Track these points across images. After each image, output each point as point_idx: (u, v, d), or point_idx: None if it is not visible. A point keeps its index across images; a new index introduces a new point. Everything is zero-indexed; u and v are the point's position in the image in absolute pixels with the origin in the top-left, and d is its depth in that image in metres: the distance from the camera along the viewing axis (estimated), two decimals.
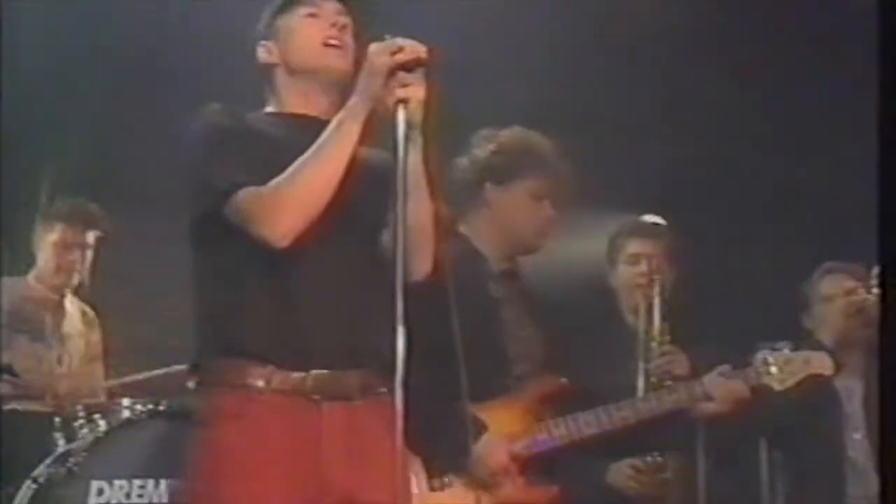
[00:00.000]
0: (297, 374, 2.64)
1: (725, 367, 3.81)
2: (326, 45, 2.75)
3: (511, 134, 3.74)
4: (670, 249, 4.15)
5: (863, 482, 4.26)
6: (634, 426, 3.67)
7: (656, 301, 3.99)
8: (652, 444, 3.85)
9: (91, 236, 4.84)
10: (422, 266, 2.70)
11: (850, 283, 4.39)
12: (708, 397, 3.78)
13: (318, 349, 2.65)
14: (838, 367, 3.97)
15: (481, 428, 3.45)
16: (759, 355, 3.81)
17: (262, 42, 2.83)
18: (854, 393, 4.37)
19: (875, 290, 4.13)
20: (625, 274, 4.19)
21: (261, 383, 2.62)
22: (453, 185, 3.65)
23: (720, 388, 3.78)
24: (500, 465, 3.47)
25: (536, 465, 3.54)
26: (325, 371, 2.65)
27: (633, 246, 4.18)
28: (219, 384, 2.66)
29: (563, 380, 3.60)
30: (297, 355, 2.64)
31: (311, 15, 2.79)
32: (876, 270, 4.06)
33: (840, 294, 4.42)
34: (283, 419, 2.62)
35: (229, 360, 2.65)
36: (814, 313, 4.53)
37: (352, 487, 2.63)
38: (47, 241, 4.81)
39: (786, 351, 3.82)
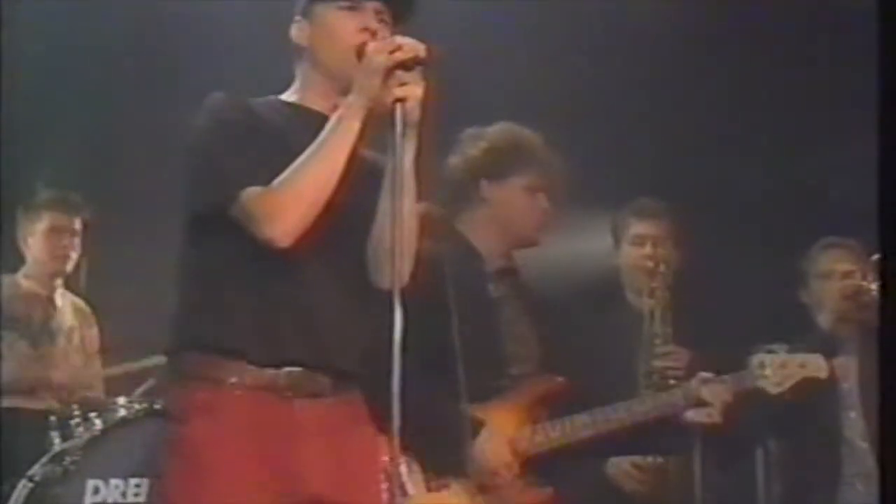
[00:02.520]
0: (270, 371, 2.61)
1: (710, 374, 3.77)
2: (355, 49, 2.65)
3: (499, 130, 3.72)
4: (674, 233, 4.15)
5: (858, 461, 4.27)
6: (631, 427, 3.65)
7: (660, 291, 3.97)
8: (649, 435, 3.84)
9: (77, 222, 4.85)
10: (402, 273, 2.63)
11: (848, 265, 4.39)
12: (701, 401, 3.73)
13: (293, 348, 2.62)
14: (833, 371, 3.98)
15: (479, 426, 3.44)
16: (755, 358, 3.80)
17: (298, 19, 2.77)
18: (850, 371, 4.37)
19: (873, 277, 4.12)
20: (629, 255, 4.20)
21: (233, 379, 2.60)
22: (446, 184, 3.63)
23: (713, 393, 3.74)
24: (502, 462, 3.46)
25: (534, 465, 3.53)
26: (298, 368, 2.62)
27: (638, 227, 4.19)
28: (191, 377, 2.64)
29: (561, 379, 3.58)
30: (271, 353, 2.62)
31: (350, 8, 2.70)
32: (876, 257, 4.06)
33: (837, 273, 4.42)
34: (255, 414, 2.60)
35: (203, 354, 2.63)
36: (811, 289, 4.53)
37: (324, 484, 2.60)
38: (38, 230, 4.82)
39: (781, 354, 3.81)
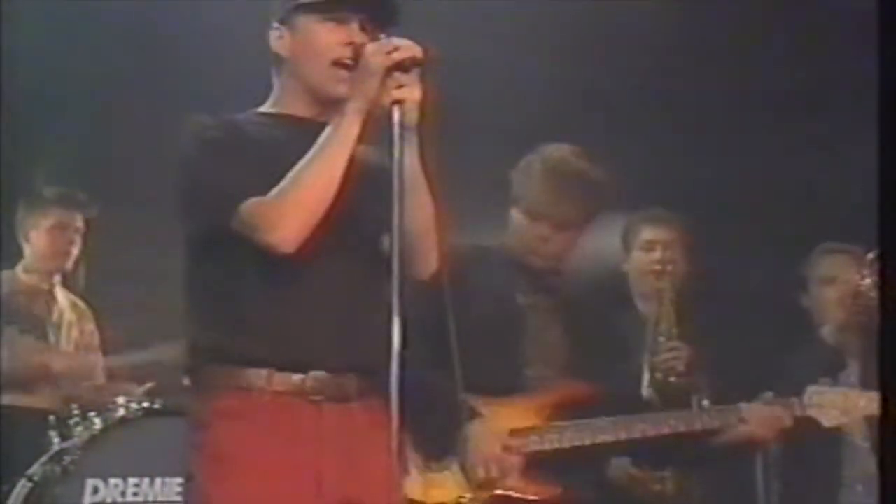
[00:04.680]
0: (297, 376, 2.63)
1: (769, 395, 3.69)
2: (336, 64, 2.66)
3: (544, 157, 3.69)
4: (684, 239, 4.15)
5: (858, 463, 4.27)
6: (653, 439, 3.60)
7: (667, 292, 3.96)
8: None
9: (80, 219, 4.86)
10: (427, 265, 2.67)
11: (847, 267, 4.38)
12: (742, 422, 3.65)
13: (316, 353, 2.63)
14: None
15: (474, 415, 3.43)
16: (811, 388, 3.68)
17: (277, 26, 2.74)
18: (852, 375, 4.36)
19: (871, 276, 4.11)
20: (639, 260, 4.21)
21: (261, 383, 2.61)
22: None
23: (758, 414, 3.65)
24: (490, 453, 3.45)
25: (536, 463, 3.52)
26: (323, 373, 2.63)
27: (648, 233, 4.20)
28: (217, 386, 2.64)
29: (583, 385, 3.54)
30: (295, 359, 2.62)
31: (334, 20, 2.68)
32: (872, 255, 4.07)
33: (837, 277, 4.42)
34: (283, 420, 2.61)
35: (227, 363, 2.63)
36: (812, 294, 4.53)
37: (350, 489, 2.62)
38: (42, 227, 4.82)
39: (842, 388, 3.72)
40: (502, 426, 3.49)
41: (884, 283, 3.02)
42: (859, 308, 4.23)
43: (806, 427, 3.70)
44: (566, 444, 3.53)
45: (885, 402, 2.82)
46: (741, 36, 4.94)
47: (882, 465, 3.06)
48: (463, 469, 3.44)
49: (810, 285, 4.53)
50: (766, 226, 5.17)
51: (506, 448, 3.47)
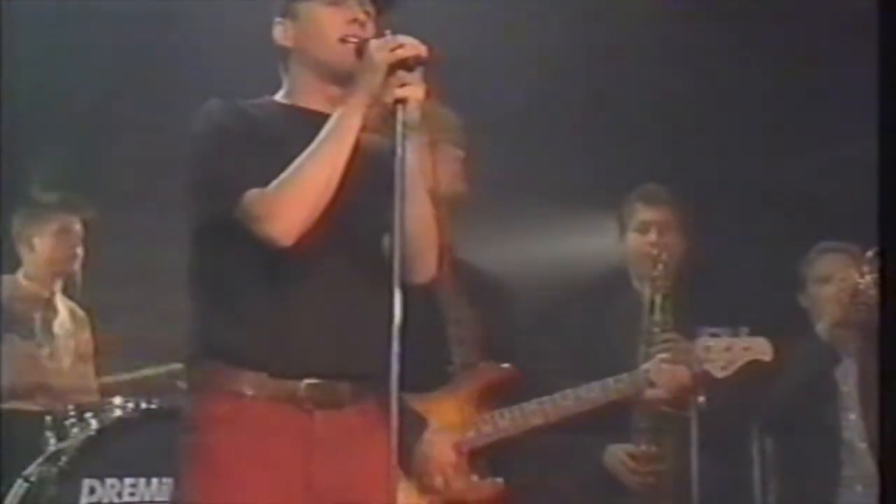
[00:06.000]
0: (290, 383, 2.61)
1: (666, 355, 3.77)
2: (343, 41, 2.65)
3: None
4: (679, 221, 4.15)
5: (857, 463, 4.27)
6: (579, 416, 3.60)
7: (661, 280, 3.97)
8: (645, 431, 3.85)
9: (80, 225, 4.84)
10: (427, 268, 2.67)
11: (846, 266, 4.39)
12: (651, 384, 3.74)
13: (312, 358, 2.62)
14: (777, 352, 3.85)
15: (422, 423, 3.39)
16: (700, 342, 3.77)
17: (279, 20, 2.74)
18: (849, 373, 4.36)
19: (870, 274, 4.12)
20: (635, 241, 4.18)
21: (252, 392, 2.60)
22: None
23: (663, 375, 3.74)
24: (447, 461, 3.39)
25: (483, 457, 3.47)
26: (317, 381, 2.62)
27: (644, 213, 4.17)
28: (211, 388, 2.63)
29: (507, 366, 3.50)
30: (291, 364, 2.61)
31: (333, 3, 2.68)
32: (871, 253, 4.07)
33: (835, 276, 4.42)
34: (275, 426, 2.60)
35: (223, 365, 2.62)
36: (809, 293, 4.52)
37: (342, 496, 2.61)
38: (46, 232, 4.79)
39: (725, 338, 3.77)
40: (447, 425, 3.42)
41: (884, 282, 3.02)
42: (858, 306, 4.24)
43: (704, 381, 3.75)
44: (503, 434, 3.49)
45: (883, 400, 2.83)
46: (743, 35, 4.95)
47: (882, 465, 3.08)
48: (416, 477, 3.37)
49: (808, 284, 4.52)
50: (763, 223, 5.18)
51: (457, 450, 3.42)
